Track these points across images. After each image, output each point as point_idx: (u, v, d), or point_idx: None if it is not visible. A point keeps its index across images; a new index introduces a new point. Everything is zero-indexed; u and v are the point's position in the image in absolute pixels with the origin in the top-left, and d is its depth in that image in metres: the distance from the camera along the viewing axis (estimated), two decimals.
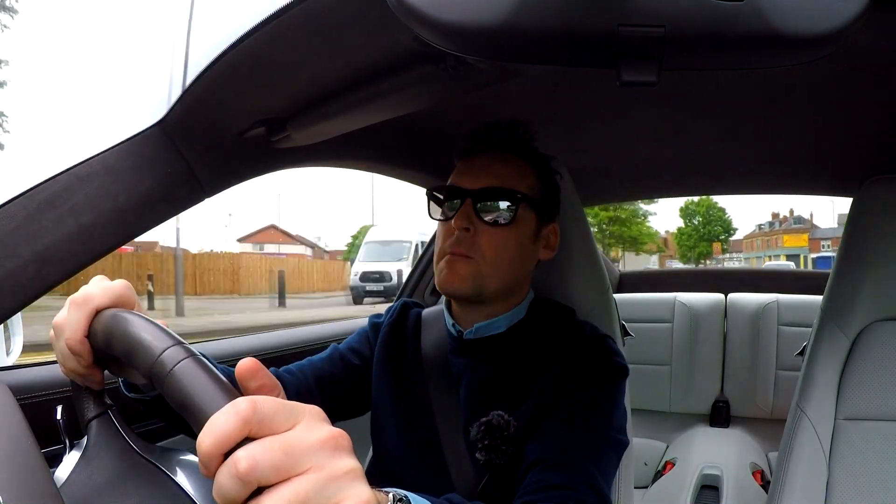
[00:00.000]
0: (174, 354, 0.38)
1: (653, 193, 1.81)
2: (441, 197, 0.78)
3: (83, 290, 0.52)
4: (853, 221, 0.94)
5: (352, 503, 0.30)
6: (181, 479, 0.48)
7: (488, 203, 0.73)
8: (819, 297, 0.98)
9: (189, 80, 0.65)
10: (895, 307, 0.88)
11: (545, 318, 0.79)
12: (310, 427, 0.32)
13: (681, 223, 27.59)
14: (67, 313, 0.50)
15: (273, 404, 0.31)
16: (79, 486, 0.49)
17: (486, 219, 0.72)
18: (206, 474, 0.31)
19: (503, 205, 0.73)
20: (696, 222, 27.56)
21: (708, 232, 27.06)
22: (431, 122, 1.02)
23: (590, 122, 1.06)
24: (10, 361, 0.90)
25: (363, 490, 0.31)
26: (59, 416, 0.56)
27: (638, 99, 0.91)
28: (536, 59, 0.36)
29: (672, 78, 0.79)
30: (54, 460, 0.52)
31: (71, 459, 0.51)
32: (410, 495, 0.42)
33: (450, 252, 0.73)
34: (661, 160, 1.34)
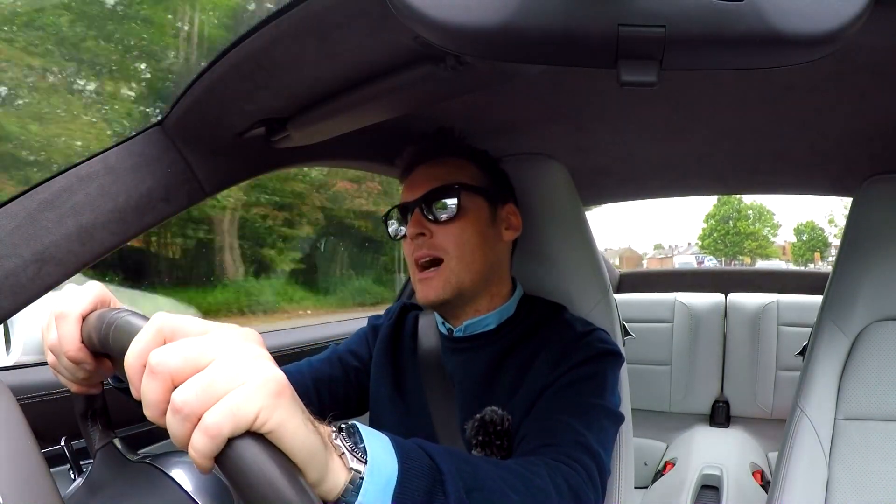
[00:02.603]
0: (116, 314, 0.42)
1: (653, 193, 1.81)
2: (395, 218, 0.81)
3: (62, 302, 0.50)
4: (853, 221, 0.94)
5: (258, 381, 0.31)
6: (183, 480, 0.48)
7: (433, 204, 0.75)
8: (819, 297, 0.98)
9: (189, 80, 0.65)
10: (895, 307, 0.88)
11: (535, 314, 0.79)
12: (219, 328, 0.34)
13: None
14: (58, 329, 0.49)
15: (186, 318, 0.34)
16: (81, 493, 0.50)
17: (436, 219, 0.75)
18: (135, 395, 0.32)
19: (447, 201, 0.75)
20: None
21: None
22: (431, 122, 1.02)
23: (590, 122, 1.05)
24: (10, 361, 0.90)
25: (271, 369, 0.32)
26: (63, 443, 0.57)
27: (638, 99, 0.91)
28: (536, 60, 0.36)
29: (672, 78, 0.79)
30: (54, 461, 0.52)
31: (77, 483, 0.52)
32: (361, 426, 0.41)
33: (415, 259, 0.75)
34: (661, 160, 1.34)
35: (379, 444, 0.40)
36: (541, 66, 0.68)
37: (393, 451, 0.41)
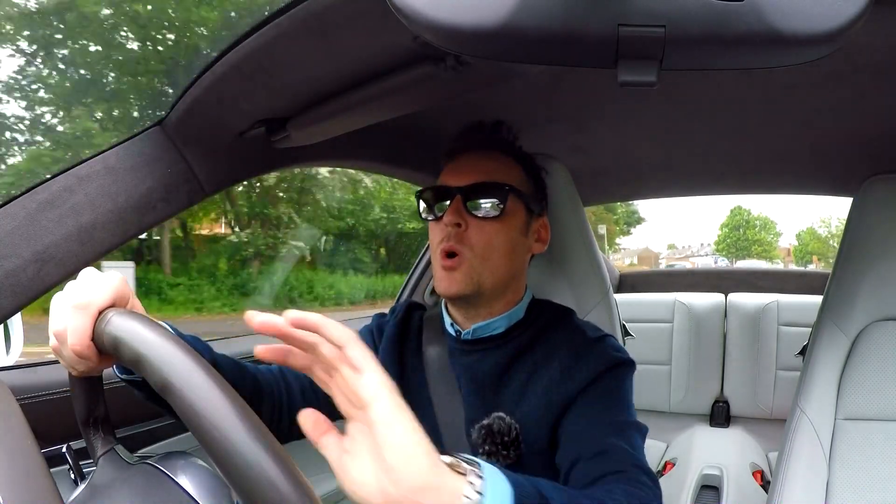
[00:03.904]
0: (130, 321, 0.43)
1: (653, 193, 1.81)
2: (431, 198, 0.77)
3: (81, 291, 0.50)
4: (853, 221, 0.93)
5: None
6: (184, 481, 0.48)
7: (477, 198, 0.73)
8: (819, 297, 0.98)
9: (189, 80, 0.65)
10: (895, 307, 0.88)
11: (545, 318, 0.79)
12: None
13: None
14: (70, 318, 0.49)
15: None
16: (83, 496, 0.50)
17: (476, 213, 0.73)
18: None
19: (493, 199, 0.73)
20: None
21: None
22: (431, 122, 1.02)
23: (590, 122, 1.06)
24: (10, 361, 0.90)
25: None
26: (65, 450, 0.58)
27: (638, 99, 0.91)
28: (536, 59, 0.36)
29: (672, 78, 0.79)
30: (54, 461, 0.52)
31: (80, 489, 0.52)
32: (483, 463, 0.42)
33: (442, 248, 0.73)
34: (661, 160, 1.34)
35: (492, 469, 0.42)
36: (541, 66, 0.68)
37: (504, 476, 0.42)
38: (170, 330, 0.44)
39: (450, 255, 0.73)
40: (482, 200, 0.73)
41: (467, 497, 0.38)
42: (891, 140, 1.05)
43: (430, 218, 0.78)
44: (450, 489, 0.37)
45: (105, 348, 0.47)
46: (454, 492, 0.37)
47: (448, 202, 0.74)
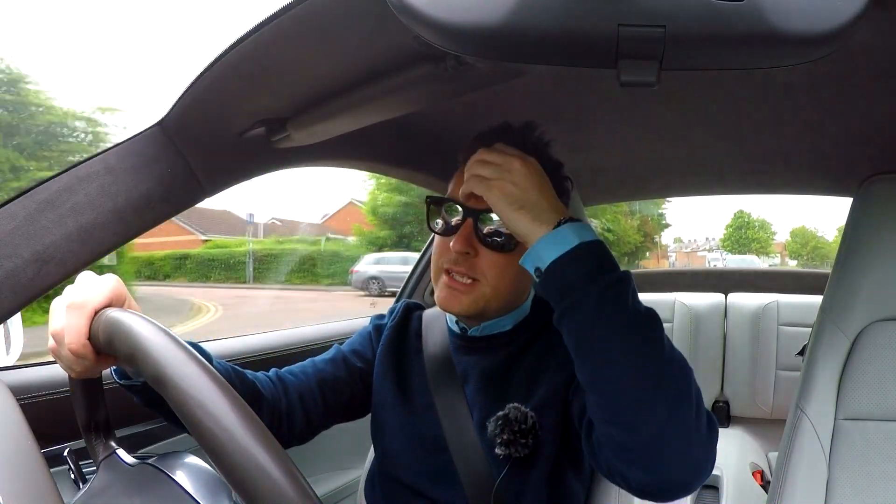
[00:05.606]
0: (129, 318, 0.44)
1: (653, 193, 1.81)
2: (441, 211, 0.74)
3: (77, 292, 0.51)
4: (853, 221, 0.93)
5: None
6: (184, 481, 0.48)
7: (489, 227, 0.69)
8: (819, 297, 0.98)
9: (189, 80, 0.66)
10: (895, 307, 0.88)
11: (548, 313, 0.78)
12: None
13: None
14: (66, 318, 0.50)
15: None
16: (84, 497, 0.50)
17: (487, 242, 0.69)
18: None
19: (504, 230, 0.68)
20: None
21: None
22: (431, 123, 1.02)
23: (590, 122, 1.06)
24: (10, 361, 0.90)
25: None
26: (66, 453, 0.58)
27: (638, 99, 0.91)
28: (536, 59, 0.36)
29: (672, 78, 0.79)
30: (54, 461, 0.53)
31: (82, 492, 0.52)
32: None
33: (447, 270, 0.70)
34: (661, 160, 1.34)
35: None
36: (541, 66, 0.68)
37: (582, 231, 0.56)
38: (164, 328, 0.44)
39: (456, 276, 0.70)
40: (492, 227, 0.69)
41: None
42: (891, 140, 1.05)
43: (438, 230, 0.74)
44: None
45: (101, 346, 0.47)
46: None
47: (458, 220, 0.70)
